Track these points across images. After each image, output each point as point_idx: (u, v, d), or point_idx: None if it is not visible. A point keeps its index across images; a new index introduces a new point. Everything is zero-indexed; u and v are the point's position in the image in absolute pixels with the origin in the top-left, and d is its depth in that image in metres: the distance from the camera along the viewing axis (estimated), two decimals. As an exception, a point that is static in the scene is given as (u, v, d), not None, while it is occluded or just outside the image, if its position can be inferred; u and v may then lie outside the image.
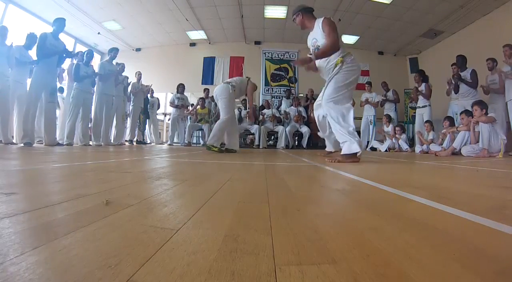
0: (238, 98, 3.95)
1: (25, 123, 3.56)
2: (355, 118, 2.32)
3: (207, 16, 7.11)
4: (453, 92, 4.94)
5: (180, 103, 6.52)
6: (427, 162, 2.47)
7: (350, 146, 2.08)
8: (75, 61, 4.67)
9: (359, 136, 2.32)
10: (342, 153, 2.14)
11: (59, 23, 3.84)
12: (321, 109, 2.45)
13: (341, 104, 2.19)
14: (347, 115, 2.16)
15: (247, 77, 3.77)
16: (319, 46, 2.29)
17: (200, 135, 7.49)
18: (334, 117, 2.18)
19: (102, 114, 4.81)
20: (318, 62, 2.35)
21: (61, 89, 5.21)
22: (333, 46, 2.17)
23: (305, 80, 7.70)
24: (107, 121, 4.96)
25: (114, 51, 5.03)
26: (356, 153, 2.07)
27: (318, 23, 2.29)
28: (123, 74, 5.41)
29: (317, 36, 2.32)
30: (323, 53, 2.22)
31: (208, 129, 6.21)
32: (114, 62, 5.10)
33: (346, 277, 0.29)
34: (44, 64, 3.68)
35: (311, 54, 2.40)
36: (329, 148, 2.78)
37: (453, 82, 4.70)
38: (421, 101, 5.37)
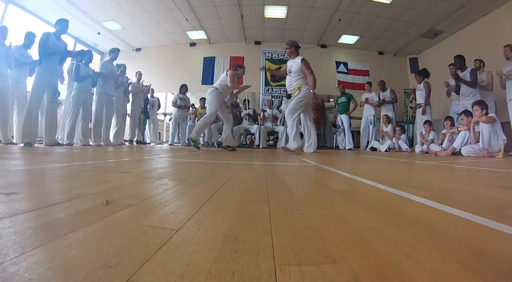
0: (227, 94, 4.12)
1: (27, 124, 3.54)
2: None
3: (207, 16, 7.10)
4: (453, 92, 4.94)
5: (183, 104, 6.55)
6: (427, 162, 2.47)
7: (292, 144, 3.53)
8: (74, 62, 4.66)
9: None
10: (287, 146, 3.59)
11: (62, 24, 3.82)
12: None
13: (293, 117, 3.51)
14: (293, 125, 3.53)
15: (235, 65, 3.98)
16: (291, 70, 3.61)
17: (201, 135, 7.48)
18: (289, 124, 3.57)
19: (103, 114, 4.81)
20: (287, 79, 3.70)
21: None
22: (314, 82, 3.47)
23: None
24: (107, 121, 4.96)
25: (115, 52, 5.02)
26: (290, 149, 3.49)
27: (298, 60, 3.51)
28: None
29: (294, 65, 3.57)
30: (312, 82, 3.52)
31: (208, 129, 6.21)
32: (114, 63, 5.10)
33: (346, 277, 0.29)
34: (47, 64, 3.67)
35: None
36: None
37: (454, 82, 4.71)
38: (419, 100, 5.36)
